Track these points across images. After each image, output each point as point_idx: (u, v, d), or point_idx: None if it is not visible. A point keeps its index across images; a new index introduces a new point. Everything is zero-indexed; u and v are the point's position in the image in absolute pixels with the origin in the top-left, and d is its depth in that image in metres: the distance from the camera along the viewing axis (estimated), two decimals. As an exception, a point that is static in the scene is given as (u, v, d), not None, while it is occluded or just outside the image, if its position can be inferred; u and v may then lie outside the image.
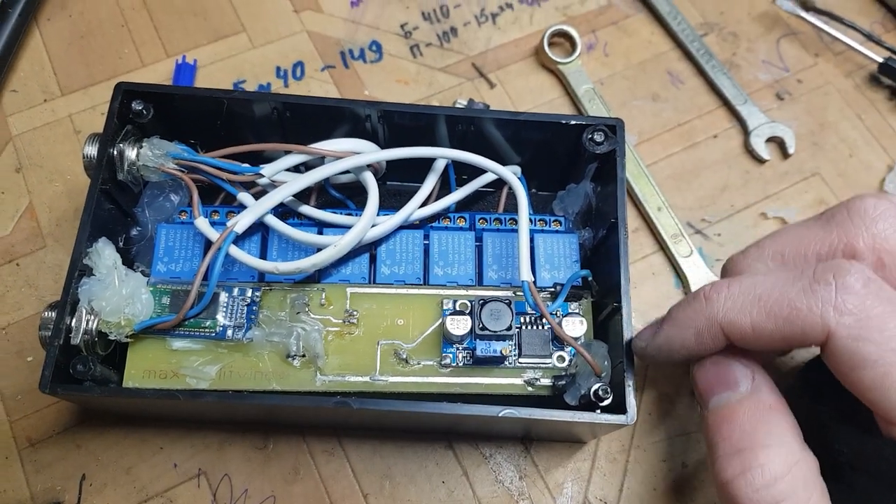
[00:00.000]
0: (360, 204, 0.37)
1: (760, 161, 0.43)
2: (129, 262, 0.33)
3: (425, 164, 0.36)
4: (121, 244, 0.33)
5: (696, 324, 0.26)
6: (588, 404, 0.30)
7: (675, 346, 0.27)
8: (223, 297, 0.32)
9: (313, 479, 0.34)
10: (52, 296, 0.37)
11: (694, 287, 0.39)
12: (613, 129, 0.33)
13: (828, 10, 0.45)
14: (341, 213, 0.35)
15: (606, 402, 0.30)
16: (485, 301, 0.32)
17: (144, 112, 0.33)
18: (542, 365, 0.32)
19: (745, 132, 0.43)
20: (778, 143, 0.43)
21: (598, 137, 0.33)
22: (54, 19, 0.44)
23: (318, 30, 0.44)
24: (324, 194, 0.37)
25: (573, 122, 0.34)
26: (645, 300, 0.39)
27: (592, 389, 0.30)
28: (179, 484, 0.34)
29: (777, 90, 0.45)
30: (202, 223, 0.32)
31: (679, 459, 0.36)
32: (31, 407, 0.35)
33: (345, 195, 0.37)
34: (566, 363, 0.32)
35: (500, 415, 0.28)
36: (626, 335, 0.30)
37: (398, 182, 0.39)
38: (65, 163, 0.40)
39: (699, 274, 0.39)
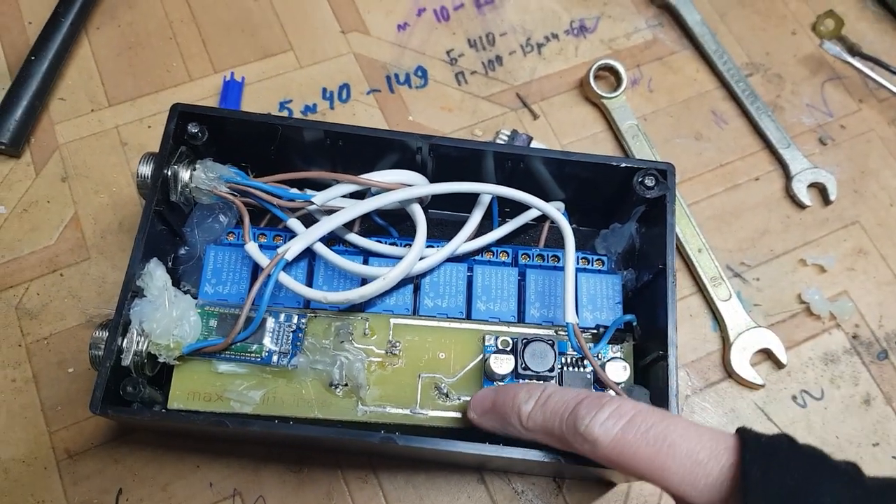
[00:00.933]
0: (404, 231, 0.37)
1: (801, 207, 0.43)
2: (176, 281, 0.33)
3: (468, 195, 0.36)
4: (169, 264, 0.34)
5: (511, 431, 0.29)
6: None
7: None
8: (270, 322, 0.32)
9: (347, 506, 0.34)
10: (94, 308, 0.37)
11: (731, 332, 0.39)
12: (664, 174, 0.34)
13: (874, 56, 0.45)
14: (386, 242, 0.35)
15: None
16: (528, 340, 0.32)
17: (200, 135, 0.33)
18: (581, 406, 0.32)
19: (787, 176, 0.43)
20: (819, 189, 0.43)
21: (650, 182, 0.33)
22: (103, 28, 0.44)
23: (364, 52, 0.45)
24: (367, 220, 0.37)
25: (623, 165, 0.34)
26: (682, 342, 0.39)
27: (634, 437, 0.30)
28: (215, 503, 0.34)
29: (820, 135, 0.45)
30: (252, 248, 0.32)
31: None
32: (71, 419, 0.35)
33: (388, 222, 0.37)
34: (606, 406, 0.32)
35: (538, 459, 0.28)
36: (672, 383, 0.30)
37: (440, 211, 0.39)
38: (111, 175, 0.40)
39: (737, 318, 0.39)
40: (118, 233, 0.39)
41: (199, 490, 0.34)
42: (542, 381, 0.30)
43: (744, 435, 0.24)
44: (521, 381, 0.32)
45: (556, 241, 0.36)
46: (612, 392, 0.31)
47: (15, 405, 0.35)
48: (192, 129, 0.33)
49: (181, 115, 0.33)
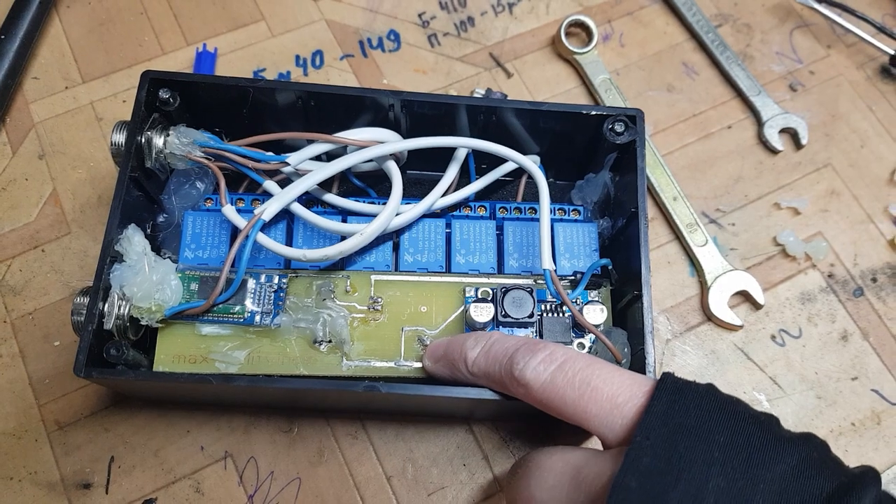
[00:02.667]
0: (382, 192, 0.37)
1: (774, 152, 0.43)
2: (156, 248, 0.33)
3: (445, 154, 0.36)
4: (148, 231, 0.34)
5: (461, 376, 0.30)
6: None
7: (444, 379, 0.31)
8: (251, 283, 0.32)
9: (337, 462, 0.35)
10: (77, 281, 0.37)
11: (709, 276, 0.39)
12: (633, 119, 0.34)
13: (840, 3, 0.46)
14: (364, 202, 0.35)
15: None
16: (507, 289, 0.32)
17: (171, 100, 0.33)
18: (562, 351, 0.33)
19: (759, 123, 0.44)
20: (791, 134, 0.44)
21: (619, 128, 0.34)
22: (74, 7, 0.44)
23: (336, 19, 0.45)
24: (346, 183, 0.37)
25: (594, 113, 0.34)
26: (660, 288, 0.40)
27: (614, 375, 0.30)
28: (206, 466, 0.35)
29: (790, 81, 0.45)
30: (229, 211, 0.32)
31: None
32: (59, 391, 0.35)
33: (366, 183, 0.37)
34: (586, 350, 0.33)
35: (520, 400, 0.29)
36: (647, 323, 0.31)
37: (418, 171, 0.39)
38: (87, 150, 0.40)
39: (714, 263, 0.40)
40: (97, 207, 0.39)
41: (190, 454, 0.35)
42: (492, 332, 0.31)
43: (663, 377, 0.25)
44: (501, 329, 0.32)
45: (534, 195, 0.36)
46: (573, 345, 0.32)
47: (3, 380, 0.35)
48: (164, 94, 0.33)
49: (152, 81, 0.33)
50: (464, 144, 0.35)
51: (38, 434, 0.35)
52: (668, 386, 0.24)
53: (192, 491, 0.34)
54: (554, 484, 0.25)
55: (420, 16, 0.45)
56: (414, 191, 0.38)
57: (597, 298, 0.34)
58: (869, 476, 0.22)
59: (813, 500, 0.21)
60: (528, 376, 0.26)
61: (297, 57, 0.43)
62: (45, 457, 0.34)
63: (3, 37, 0.41)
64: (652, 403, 0.24)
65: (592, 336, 0.33)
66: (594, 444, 0.34)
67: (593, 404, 0.25)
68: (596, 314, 0.32)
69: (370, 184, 0.38)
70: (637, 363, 0.31)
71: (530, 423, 0.36)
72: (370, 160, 0.35)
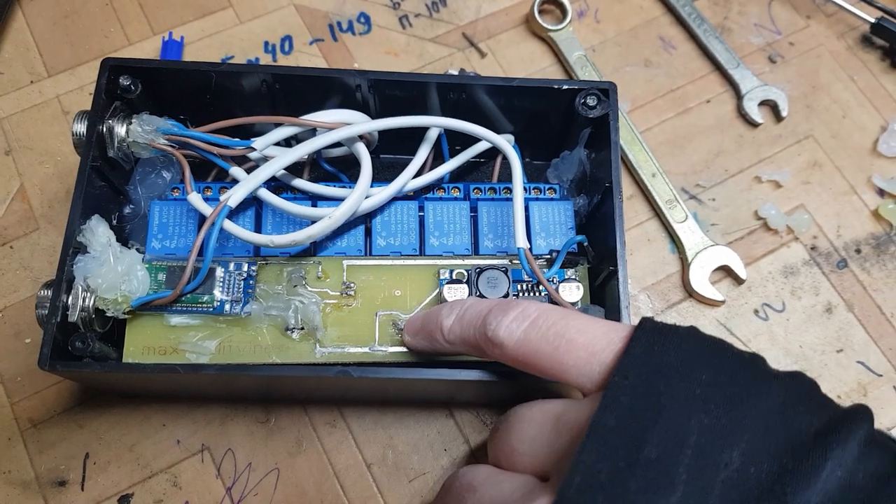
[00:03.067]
0: (354, 177, 0.36)
1: (754, 125, 0.43)
2: (123, 240, 0.33)
3: (418, 137, 0.35)
4: (114, 222, 0.33)
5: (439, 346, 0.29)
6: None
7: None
8: (219, 271, 0.32)
9: (316, 451, 0.34)
10: (47, 277, 0.36)
11: (689, 252, 0.39)
12: (606, 92, 0.33)
13: (819, -29, 0.45)
14: (335, 186, 0.35)
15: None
16: (481, 269, 0.32)
17: (132, 87, 0.33)
18: (540, 331, 0.32)
19: (738, 96, 0.43)
20: (771, 106, 0.43)
21: (591, 101, 0.33)
22: (37, 0, 0.43)
23: (305, 3, 0.44)
24: (317, 168, 0.37)
25: (565, 87, 0.34)
26: (641, 266, 0.39)
27: (591, 353, 0.30)
28: (183, 460, 0.34)
29: (769, 53, 0.44)
30: (195, 198, 0.32)
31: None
32: (32, 388, 0.35)
33: (338, 169, 0.37)
34: (564, 329, 0.32)
35: (496, 379, 0.29)
36: (623, 299, 0.30)
37: (391, 155, 0.38)
38: (54, 144, 0.40)
39: (694, 238, 0.39)
40: (65, 201, 0.38)
41: (166, 448, 0.34)
42: (467, 298, 0.30)
43: (642, 321, 0.24)
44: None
45: (509, 176, 0.35)
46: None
47: (-26, 379, 0.35)
48: (125, 81, 0.32)
49: (112, 68, 0.32)
50: (435, 124, 0.34)
51: (10, 433, 0.34)
52: (648, 329, 0.23)
53: (170, 485, 0.34)
54: (535, 434, 0.24)
55: (391, -3, 0.44)
56: (387, 174, 0.37)
57: (573, 276, 0.33)
58: (861, 412, 0.21)
59: (800, 435, 0.20)
60: (501, 335, 0.25)
61: (266, 43, 0.43)
62: (19, 455, 0.34)
63: (-36, 31, 0.40)
64: (630, 345, 0.23)
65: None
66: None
67: (569, 355, 0.24)
68: (572, 292, 0.32)
69: (342, 169, 0.37)
70: (615, 340, 0.30)
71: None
72: (340, 144, 0.34)
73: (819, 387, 0.23)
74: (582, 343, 0.24)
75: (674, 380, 0.21)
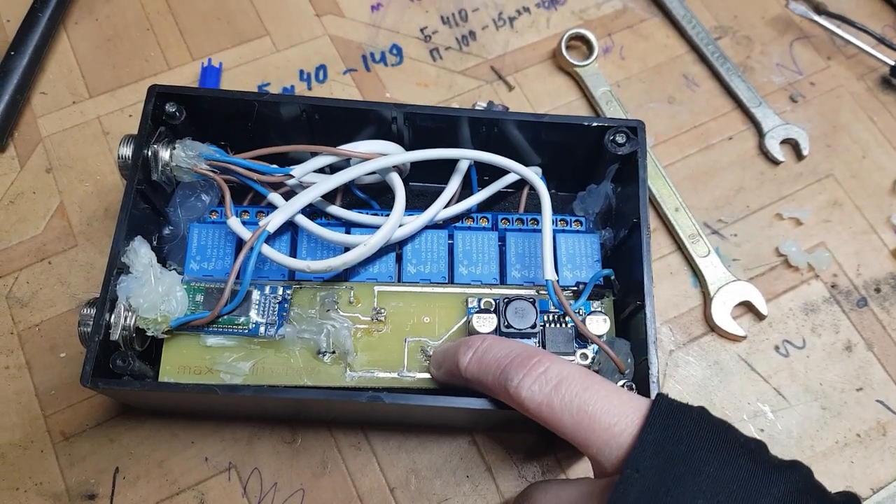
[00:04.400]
0: (384, 204, 0.38)
1: (775, 163, 0.43)
2: (161, 260, 0.34)
3: (448, 166, 0.36)
4: (154, 243, 0.34)
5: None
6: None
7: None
8: (255, 294, 0.33)
9: (341, 473, 0.35)
10: (84, 293, 0.38)
11: (711, 287, 0.39)
12: (635, 130, 0.34)
13: (840, 14, 0.46)
14: (367, 213, 0.35)
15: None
16: (510, 299, 0.33)
17: (177, 114, 0.34)
18: (565, 362, 0.33)
19: (760, 134, 0.44)
20: (792, 144, 0.44)
21: (620, 139, 0.34)
22: (81, 23, 0.45)
23: (339, 34, 0.45)
24: (349, 195, 0.38)
25: (595, 125, 0.35)
26: (663, 299, 0.40)
27: (617, 384, 0.31)
28: (211, 477, 0.35)
29: (791, 93, 0.45)
30: (234, 223, 0.33)
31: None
32: (65, 402, 0.35)
33: (369, 195, 0.38)
34: (589, 360, 0.33)
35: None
36: (650, 333, 0.31)
37: (421, 183, 0.39)
38: (94, 164, 0.41)
39: (716, 273, 0.40)
40: (104, 219, 0.39)
41: (194, 465, 0.35)
42: (486, 335, 0.31)
43: (657, 400, 0.25)
44: (500, 336, 0.33)
45: (536, 206, 0.36)
46: (576, 356, 0.32)
47: (9, 391, 0.36)
48: (170, 108, 0.33)
49: (158, 95, 0.33)
50: (466, 156, 0.35)
51: (43, 445, 0.35)
52: (662, 410, 0.24)
53: (197, 502, 0.34)
54: None
55: (422, 30, 0.46)
56: (417, 203, 0.38)
57: (599, 309, 0.34)
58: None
59: None
60: (523, 395, 0.26)
61: (301, 71, 0.44)
62: (51, 467, 0.34)
63: (13, 53, 0.41)
64: (644, 431, 0.24)
65: (595, 346, 0.33)
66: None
67: (592, 434, 0.25)
68: (599, 325, 0.33)
69: (373, 196, 0.38)
70: (640, 374, 0.31)
71: (533, 434, 0.36)
72: (373, 172, 0.35)
73: (813, 475, 0.24)
74: (604, 423, 0.25)
75: (682, 472, 0.23)
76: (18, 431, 0.35)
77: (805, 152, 0.43)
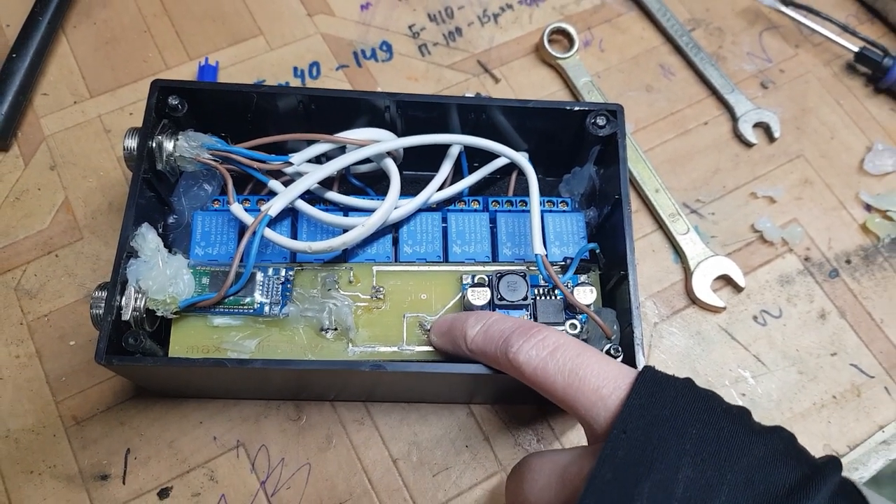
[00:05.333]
0: (379, 191, 0.39)
1: (748, 145, 0.46)
2: (167, 248, 0.35)
3: (439, 155, 0.38)
4: (159, 231, 0.36)
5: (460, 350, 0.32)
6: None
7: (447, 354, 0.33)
8: (259, 276, 0.34)
9: (345, 447, 0.36)
10: (91, 283, 0.39)
11: (692, 262, 0.41)
12: (614, 113, 0.36)
13: (806, 5, 0.49)
14: (364, 199, 0.37)
15: (618, 360, 0.32)
16: (502, 274, 0.34)
17: (179, 107, 0.35)
18: (556, 332, 0.34)
19: (733, 119, 0.46)
20: (764, 128, 0.46)
21: (601, 121, 0.36)
22: (80, 27, 0.46)
23: (331, 32, 0.47)
24: (345, 184, 0.39)
25: (577, 109, 0.37)
26: (646, 275, 0.42)
27: (604, 349, 0.32)
28: (220, 455, 0.36)
29: (761, 79, 0.48)
30: (237, 209, 0.34)
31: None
32: (76, 388, 0.37)
33: (364, 184, 0.40)
34: (578, 329, 0.34)
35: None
36: (634, 300, 0.33)
37: (414, 172, 0.41)
38: (97, 160, 0.42)
39: (696, 249, 0.42)
40: (108, 213, 0.41)
41: (203, 444, 0.36)
42: (493, 312, 0.33)
43: (644, 371, 0.26)
44: (497, 310, 0.34)
45: (524, 190, 0.38)
46: (566, 325, 0.34)
47: (21, 379, 0.37)
48: (173, 101, 0.35)
49: (161, 89, 0.35)
50: (457, 141, 0.37)
51: (56, 429, 0.36)
52: (648, 379, 0.26)
53: (207, 479, 0.35)
54: (543, 485, 0.27)
55: (410, 27, 0.48)
56: (411, 190, 0.40)
57: (587, 281, 0.36)
58: (830, 465, 0.24)
59: (776, 489, 0.23)
60: (521, 359, 0.28)
61: (295, 69, 0.46)
62: (64, 451, 0.36)
63: (14, 56, 0.43)
64: (631, 396, 0.25)
65: (584, 316, 0.35)
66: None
67: (581, 395, 0.27)
68: (586, 295, 0.34)
69: (368, 184, 0.40)
70: (626, 339, 0.33)
71: (528, 404, 0.38)
72: (368, 159, 0.37)
73: (796, 439, 0.25)
74: (593, 385, 0.26)
75: (667, 434, 0.24)
76: (31, 417, 0.36)
77: (776, 135, 0.46)
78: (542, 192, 0.40)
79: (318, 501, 0.35)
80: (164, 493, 0.35)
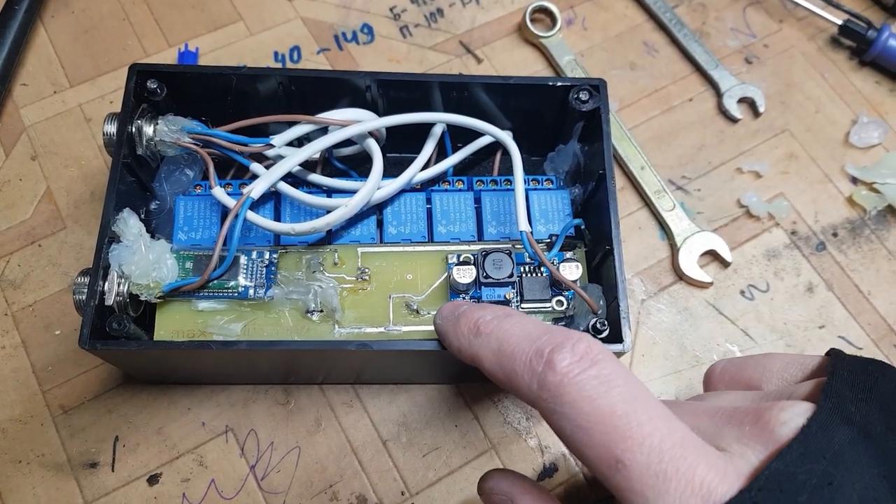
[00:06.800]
0: (364, 173, 0.39)
1: (733, 120, 0.46)
2: (150, 234, 0.35)
3: (423, 136, 0.38)
4: (142, 217, 0.35)
5: (462, 344, 0.27)
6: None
7: (451, 347, 0.28)
8: (243, 259, 0.34)
9: (335, 430, 0.36)
10: (75, 273, 0.38)
11: (678, 238, 0.41)
12: (597, 88, 0.36)
13: (789, -21, 0.49)
14: (348, 181, 0.37)
15: (604, 335, 0.32)
16: (487, 252, 0.34)
17: (159, 91, 0.35)
18: (542, 309, 0.34)
19: (718, 94, 0.46)
20: (749, 103, 0.46)
21: (584, 96, 0.36)
22: (58, 16, 0.46)
23: (311, 16, 0.47)
24: (328, 166, 0.39)
25: (559, 84, 0.36)
26: (633, 252, 0.42)
27: (590, 324, 0.32)
28: (209, 441, 0.36)
29: (745, 55, 0.48)
30: (219, 192, 0.34)
31: (672, 398, 0.38)
32: (62, 377, 0.37)
33: (348, 166, 0.39)
34: (565, 306, 0.34)
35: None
36: (620, 275, 0.33)
37: (398, 154, 0.41)
38: (78, 149, 0.42)
39: (682, 225, 0.42)
40: (90, 202, 0.40)
41: (192, 430, 0.36)
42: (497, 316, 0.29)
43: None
44: (483, 289, 0.34)
45: (509, 170, 0.38)
46: (552, 302, 0.33)
47: (6, 370, 0.37)
48: (151, 85, 0.35)
49: (139, 73, 0.34)
50: (439, 119, 0.37)
51: (43, 419, 0.36)
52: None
53: (196, 464, 0.35)
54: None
55: (391, 9, 0.47)
56: (395, 171, 0.39)
57: (573, 257, 0.36)
58: None
59: None
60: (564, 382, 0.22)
61: (276, 53, 0.45)
62: (52, 440, 0.35)
63: (-9, 46, 0.42)
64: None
65: (570, 292, 0.34)
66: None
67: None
68: (572, 271, 0.34)
69: (352, 166, 0.39)
70: (612, 314, 0.33)
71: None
72: (351, 141, 0.36)
73: None
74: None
75: None
76: (18, 407, 0.36)
77: (761, 110, 0.46)
78: (527, 172, 0.40)
79: (309, 484, 0.35)
80: (153, 479, 0.35)
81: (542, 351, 0.23)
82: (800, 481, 0.19)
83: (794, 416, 0.21)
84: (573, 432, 0.22)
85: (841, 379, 0.23)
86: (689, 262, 0.41)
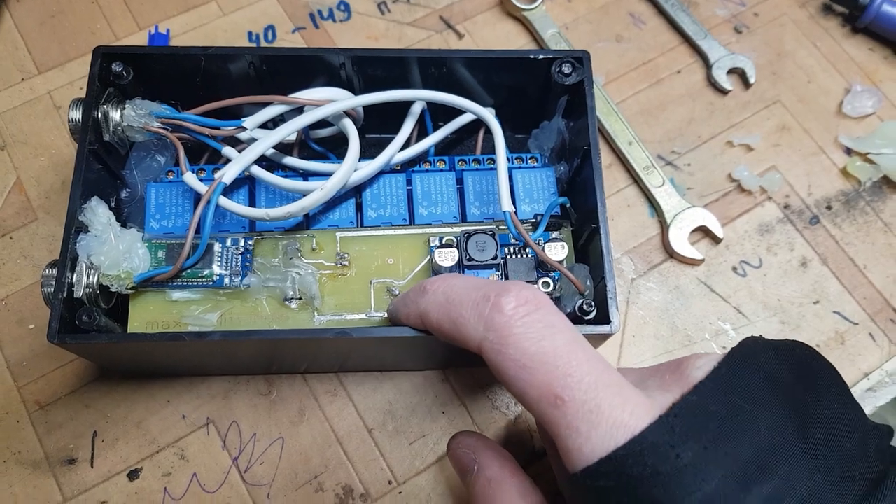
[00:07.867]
0: (341, 156, 0.38)
1: (723, 92, 0.44)
2: (121, 223, 0.34)
3: (403, 114, 0.37)
4: (112, 205, 0.34)
5: (410, 309, 0.28)
6: (574, 320, 0.31)
7: (400, 318, 0.29)
8: (217, 247, 0.33)
9: (318, 419, 0.35)
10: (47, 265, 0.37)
11: (668, 215, 0.40)
12: (580, 60, 0.35)
13: (779, -55, 0.47)
14: (324, 163, 0.36)
15: (591, 316, 0.31)
16: (470, 234, 0.33)
17: (125, 74, 0.34)
18: (528, 291, 0.33)
19: (707, 66, 0.45)
20: (739, 74, 0.45)
21: (567, 69, 0.35)
22: (24, 1, 0.44)
23: (286, -7, 0.45)
24: (305, 149, 0.38)
25: (541, 57, 0.35)
26: (622, 231, 0.41)
27: (577, 305, 0.31)
28: (189, 434, 0.35)
29: (735, 24, 0.46)
30: (190, 177, 0.33)
31: (664, 374, 0.37)
32: (37, 372, 0.36)
33: (325, 148, 0.38)
34: (551, 288, 0.33)
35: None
36: (606, 254, 0.32)
37: (377, 134, 0.40)
38: (48, 138, 0.41)
39: (672, 202, 0.41)
40: (62, 192, 0.39)
41: (172, 423, 0.35)
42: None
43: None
44: (467, 272, 0.33)
45: (492, 148, 0.37)
46: (539, 284, 0.32)
47: (-20, 366, 0.36)
48: (116, 68, 0.33)
49: (104, 56, 0.33)
50: (419, 97, 0.35)
51: (19, 415, 0.35)
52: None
53: (177, 458, 0.35)
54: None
55: (370, -15, 0.46)
56: (374, 152, 0.38)
57: (559, 237, 0.35)
58: None
59: None
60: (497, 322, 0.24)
61: (250, 33, 0.44)
62: (28, 437, 0.34)
63: (-46, 32, 0.41)
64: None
65: (556, 273, 0.33)
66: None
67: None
68: (557, 251, 0.33)
69: (329, 148, 0.38)
70: (599, 295, 0.32)
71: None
72: (327, 122, 0.35)
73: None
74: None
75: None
76: (-8, 404, 0.35)
77: (752, 80, 0.44)
78: (511, 150, 0.39)
79: (293, 475, 0.34)
80: (133, 474, 0.34)
81: (488, 295, 0.25)
82: (712, 411, 0.22)
83: (708, 361, 0.24)
84: (517, 372, 0.23)
85: (753, 341, 0.25)
86: (680, 239, 0.40)
